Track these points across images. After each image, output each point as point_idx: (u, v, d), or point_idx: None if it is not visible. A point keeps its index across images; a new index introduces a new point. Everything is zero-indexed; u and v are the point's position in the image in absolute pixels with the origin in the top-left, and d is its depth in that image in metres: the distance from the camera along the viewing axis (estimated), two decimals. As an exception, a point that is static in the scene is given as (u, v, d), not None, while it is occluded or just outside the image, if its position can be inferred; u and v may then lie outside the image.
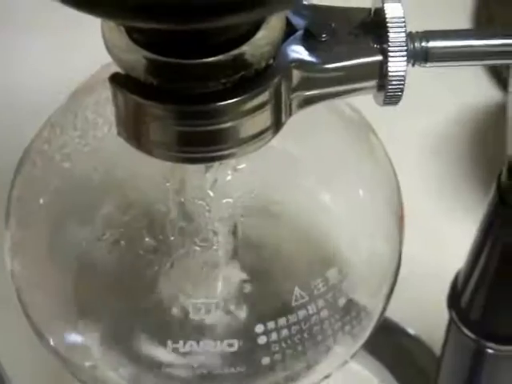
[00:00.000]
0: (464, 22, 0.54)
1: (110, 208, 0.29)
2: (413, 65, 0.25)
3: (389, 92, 0.25)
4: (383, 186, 0.31)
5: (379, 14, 0.25)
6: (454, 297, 0.34)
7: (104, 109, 0.28)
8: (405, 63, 0.25)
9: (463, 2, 0.55)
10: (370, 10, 0.25)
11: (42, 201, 0.30)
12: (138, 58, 0.23)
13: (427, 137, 0.50)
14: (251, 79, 0.23)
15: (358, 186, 0.30)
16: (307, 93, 0.25)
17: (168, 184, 0.28)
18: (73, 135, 0.29)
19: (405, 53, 0.25)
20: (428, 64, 0.25)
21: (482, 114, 0.51)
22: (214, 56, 0.23)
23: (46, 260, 0.30)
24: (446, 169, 0.49)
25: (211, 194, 0.28)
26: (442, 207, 0.48)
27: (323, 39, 0.25)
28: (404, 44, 0.25)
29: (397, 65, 0.25)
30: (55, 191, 0.30)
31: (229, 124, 0.23)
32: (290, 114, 0.25)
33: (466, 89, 0.51)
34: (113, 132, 0.25)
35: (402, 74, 0.25)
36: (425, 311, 0.42)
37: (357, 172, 0.31)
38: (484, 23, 0.51)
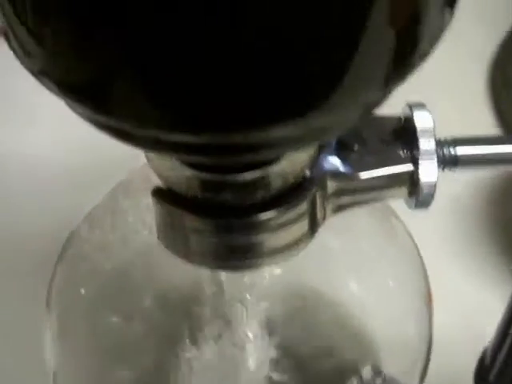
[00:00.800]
0: (480, 85, 0.54)
1: (148, 305, 0.30)
2: (442, 169, 0.26)
3: (420, 198, 0.26)
4: (410, 271, 0.32)
5: (409, 121, 0.26)
6: (482, 372, 0.35)
7: (145, 214, 0.29)
8: (435, 171, 0.25)
9: (479, 65, 0.55)
10: (400, 118, 0.26)
11: (82, 292, 0.31)
12: (180, 175, 0.24)
13: (444, 200, 0.51)
14: (289, 191, 0.24)
15: (387, 275, 0.31)
16: (341, 200, 0.26)
17: (206, 288, 0.29)
18: (112, 236, 0.30)
19: (435, 161, 0.25)
20: (457, 169, 0.26)
21: (498, 176, 0.51)
22: (253, 171, 0.23)
23: (84, 348, 0.31)
24: (465, 234, 0.49)
25: (248, 297, 0.28)
26: (467, 276, 0.47)
27: (355, 149, 0.26)
28: (434, 153, 0.25)
29: (428, 173, 0.25)
30: (96, 286, 0.31)
31: (266, 234, 0.24)
32: (325, 219, 0.26)
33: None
34: (153, 235, 0.26)
35: (433, 181, 0.25)
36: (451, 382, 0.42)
37: (383, 260, 0.31)
38: (500, 86, 0.52)
